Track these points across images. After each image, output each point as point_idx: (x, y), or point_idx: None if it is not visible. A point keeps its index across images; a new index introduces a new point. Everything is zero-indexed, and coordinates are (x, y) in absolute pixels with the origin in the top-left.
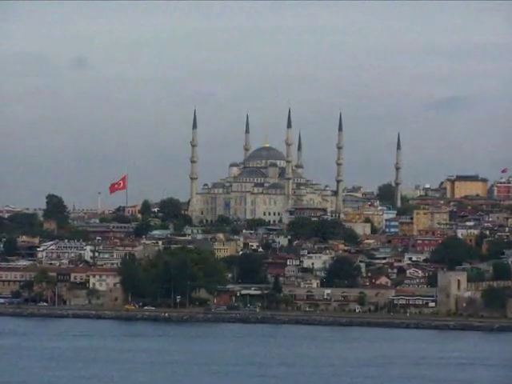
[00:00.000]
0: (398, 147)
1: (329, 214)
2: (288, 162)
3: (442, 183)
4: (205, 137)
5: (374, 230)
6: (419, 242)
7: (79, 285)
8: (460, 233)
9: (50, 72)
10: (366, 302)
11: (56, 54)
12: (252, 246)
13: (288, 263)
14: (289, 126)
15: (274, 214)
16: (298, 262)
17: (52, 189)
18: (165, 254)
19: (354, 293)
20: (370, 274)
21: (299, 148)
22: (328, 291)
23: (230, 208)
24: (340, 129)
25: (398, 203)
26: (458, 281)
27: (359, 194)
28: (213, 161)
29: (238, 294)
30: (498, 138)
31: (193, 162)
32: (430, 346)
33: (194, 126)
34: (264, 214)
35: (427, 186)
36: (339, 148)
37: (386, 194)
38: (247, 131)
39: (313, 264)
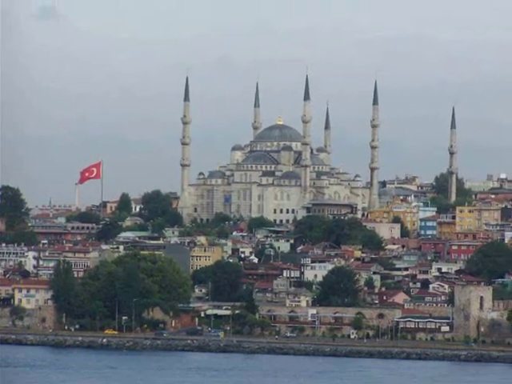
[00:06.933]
0: (453, 126)
1: (359, 211)
2: (305, 144)
3: None
4: (200, 112)
5: (404, 233)
6: (454, 247)
7: (3, 301)
8: (509, 236)
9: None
10: (365, 326)
11: None
12: (243, 252)
13: (284, 275)
14: (306, 97)
15: (288, 211)
16: (297, 274)
17: (7, 180)
18: (112, 263)
19: (350, 313)
20: (383, 289)
21: (327, 126)
22: (313, 311)
23: (232, 204)
24: (375, 102)
25: (453, 198)
26: (481, 298)
27: (413, 187)
28: (210, 143)
29: (203, 315)
30: None
31: (184, 144)
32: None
33: (186, 97)
34: (274, 211)
35: (503, 175)
36: (374, 126)
37: (444, 188)
38: (256, 105)
39: (316, 276)
